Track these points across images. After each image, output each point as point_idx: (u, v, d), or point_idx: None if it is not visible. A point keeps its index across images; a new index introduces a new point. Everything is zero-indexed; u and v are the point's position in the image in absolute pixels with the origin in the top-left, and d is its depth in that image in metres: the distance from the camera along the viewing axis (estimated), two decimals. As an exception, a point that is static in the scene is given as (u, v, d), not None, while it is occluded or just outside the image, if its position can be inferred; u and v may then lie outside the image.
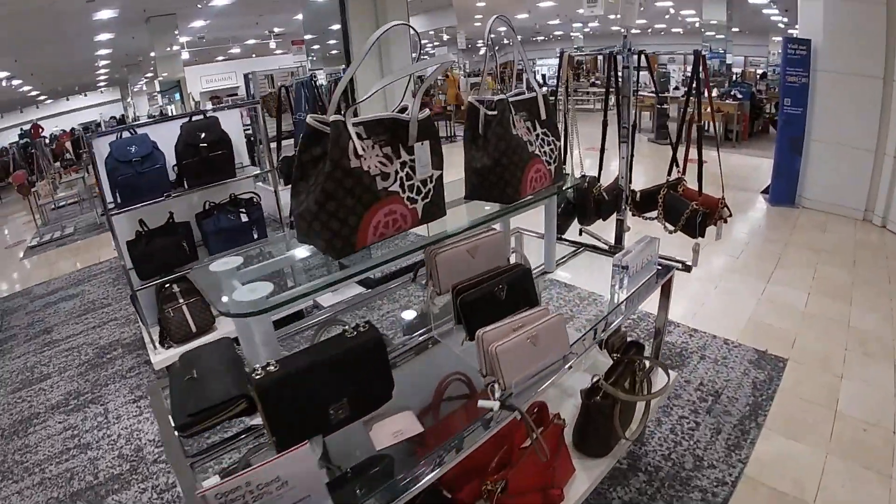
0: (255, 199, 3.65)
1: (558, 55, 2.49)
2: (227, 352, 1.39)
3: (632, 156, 2.40)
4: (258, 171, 3.94)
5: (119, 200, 3.07)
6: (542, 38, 21.16)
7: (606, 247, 2.44)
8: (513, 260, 2.01)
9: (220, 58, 16.65)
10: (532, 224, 2.24)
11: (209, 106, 9.58)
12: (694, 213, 2.13)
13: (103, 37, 10.68)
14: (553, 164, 1.66)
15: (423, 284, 1.49)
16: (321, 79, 5.84)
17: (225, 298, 1.25)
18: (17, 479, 2.74)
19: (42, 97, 18.59)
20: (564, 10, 15.92)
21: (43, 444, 3.00)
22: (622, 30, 2.27)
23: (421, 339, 1.73)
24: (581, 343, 1.56)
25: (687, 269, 2.10)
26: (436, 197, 1.36)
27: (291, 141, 4.63)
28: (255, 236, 3.56)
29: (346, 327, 1.24)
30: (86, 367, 3.84)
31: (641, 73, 2.32)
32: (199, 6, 9.54)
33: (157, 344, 3.35)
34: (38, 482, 2.69)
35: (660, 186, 2.32)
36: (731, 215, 2.19)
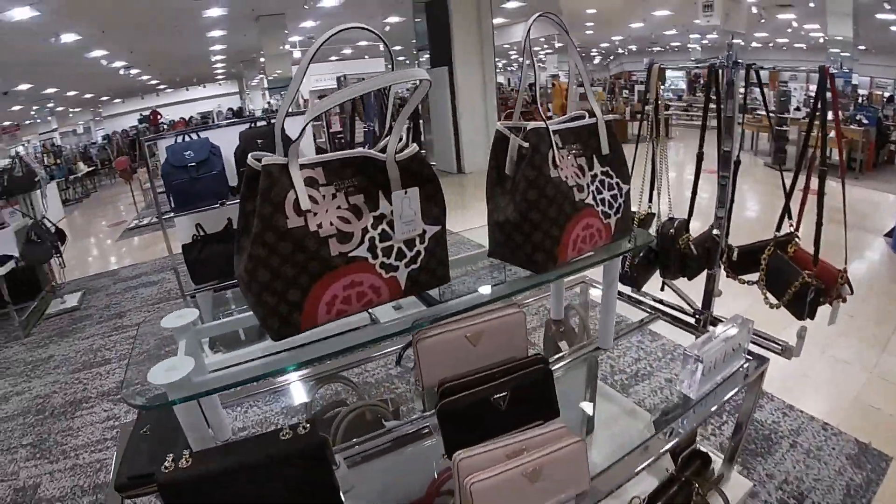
0: None
1: (646, 67, 2.03)
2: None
3: (732, 199, 1.91)
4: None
5: (173, 205, 3.06)
6: (659, 48, 20.01)
7: (691, 310, 1.97)
8: (570, 321, 1.63)
9: (334, 58, 17.08)
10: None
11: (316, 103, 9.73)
12: (805, 288, 1.62)
13: (215, 33, 11.18)
14: (615, 216, 1.25)
15: (411, 368, 1.13)
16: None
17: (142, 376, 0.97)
18: (53, 460, 2.76)
19: (161, 86, 19.98)
20: (681, 19, 14.83)
21: (85, 429, 3.02)
22: (729, 36, 1.80)
23: (413, 428, 1.38)
24: (617, 470, 1.14)
25: (786, 355, 1.61)
26: (431, 261, 1.01)
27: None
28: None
29: (284, 427, 0.94)
30: (144, 357, 3.84)
31: (757, 91, 1.83)
32: (305, 7, 9.69)
33: (205, 347, 3.26)
34: (70, 467, 2.69)
35: (765, 244, 1.80)
36: (851, 293, 1.66)
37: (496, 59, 9.02)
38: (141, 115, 19.05)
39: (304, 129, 0.85)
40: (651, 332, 3.34)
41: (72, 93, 15.33)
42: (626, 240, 1.32)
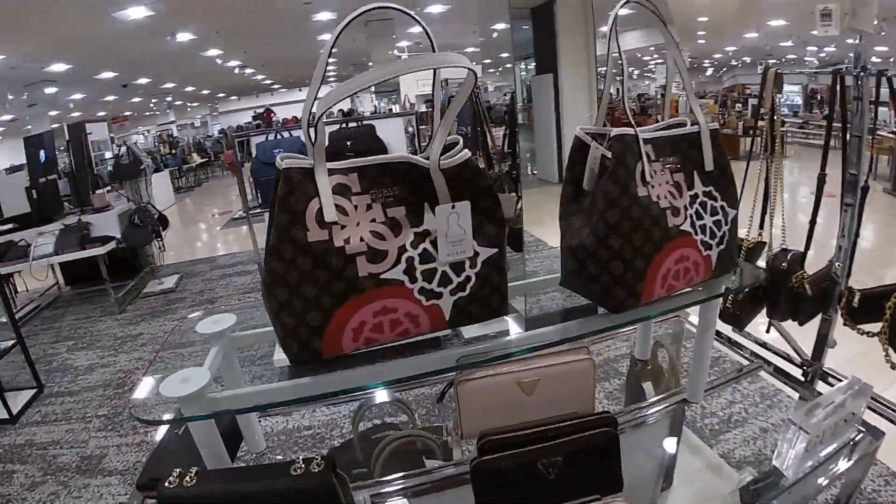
0: None
1: (761, 73, 1.75)
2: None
3: (857, 233, 1.60)
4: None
5: (260, 201, 3.15)
6: (774, 60, 18.56)
7: (798, 360, 1.68)
8: (658, 359, 1.41)
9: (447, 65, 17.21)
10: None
11: (423, 108, 9.91)
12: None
13: (325, 37, 11.51)
14: (717, 248, 1.02)
15: (453, 408, 0.97)
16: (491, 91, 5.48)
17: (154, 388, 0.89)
18: (123, 434, 2.84)
19: (275, 85, 20.99)
20: (797, 30, 13.59)
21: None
22: (855, 37, 1.51)
23: (457, 472, 1.21)
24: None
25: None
26: (484, 289, 0.84)
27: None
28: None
29: (298, 460, 0.84)
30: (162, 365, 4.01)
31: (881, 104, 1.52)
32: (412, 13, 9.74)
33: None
34: (138, 443, 2.75)
35: (890, 290, 1.48)
36: None
37: (604, 69, 8.66)
38: (255, 112, 20.14)
39: (315, 124, 0.72)
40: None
41: (189, 88, 16.46)
42: (729, 275, 1.09)
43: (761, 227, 1.76)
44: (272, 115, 18.77)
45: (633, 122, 0.91)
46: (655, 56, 17.29)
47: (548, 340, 0.92)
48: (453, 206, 0.77)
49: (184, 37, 8.74)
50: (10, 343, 3.29)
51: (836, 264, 1.59)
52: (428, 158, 0.79)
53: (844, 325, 1.60)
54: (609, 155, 0.90)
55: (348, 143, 3.21)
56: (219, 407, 0.85)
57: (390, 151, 3.62)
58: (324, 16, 9.10)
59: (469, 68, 0.74)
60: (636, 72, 19.64)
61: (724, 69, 20.28)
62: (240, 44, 10.69)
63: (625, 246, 0.89)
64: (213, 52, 10.80)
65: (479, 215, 0.82)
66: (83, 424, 2.97)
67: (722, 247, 1.02)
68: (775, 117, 1.70)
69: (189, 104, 20.98)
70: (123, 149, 5.18)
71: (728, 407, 2.79)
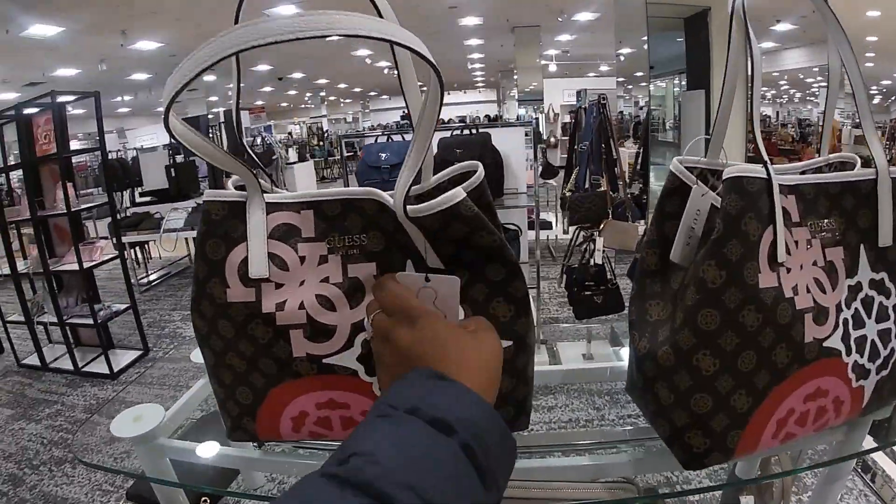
0: (513, 230, 3.17)
1: None
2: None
3: None
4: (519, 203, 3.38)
5: None
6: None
7: None
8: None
9: (591, 74, 16.69)
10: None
11: (567, 119, 9.64)
12: None
13: (472, 42, 11.55)
14: (877, 374, 0.63)
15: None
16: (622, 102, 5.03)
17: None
18: (205, 410, 2.89)
19: (424, 87, 21.58)
20: None
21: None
22: None
23: None
24: None
25: None
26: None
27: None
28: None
29: None
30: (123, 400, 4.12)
31: None
32: (559, 19, 9.44)
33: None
34: None
35: None
36: None
37: (764, 89, 7.76)
38: (404, 111, 20.85)
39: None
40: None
41: (342, 85, 17.39)
42: (883, 410, 0.70)
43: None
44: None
45: (763, 154, 0.58)
46: (819, 78, 15.29)
47: (577, 473, 0.62)
48: (427, 279, 0.50)
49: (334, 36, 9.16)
50: (124, 307, 3.52)
51: None
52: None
53: None
54: (733, 207, 0.56)
55: (457, 152, 3.00)
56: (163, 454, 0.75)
57: (507, 164, 3.35)
58: (469, 20, 9.08)
59: (423, 55, 0.42)
60: (798, 94, 17.53)
61: (893, 98, 17.39)
62: (387, 45, 11.01)
63: (724, 371, 0.56)
64: (362, 52, 11.24)
65: (486, 288, 0.54)
66: (172, 392, 3.04)
67: (885, 372, 0.64)
68: None
69: (342, 100, 22.20)
70: (259, 139, 5.45)
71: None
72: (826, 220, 0.61)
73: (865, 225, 0.63)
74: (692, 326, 0.55)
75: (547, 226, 5.49)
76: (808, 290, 0.58)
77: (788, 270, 0.57)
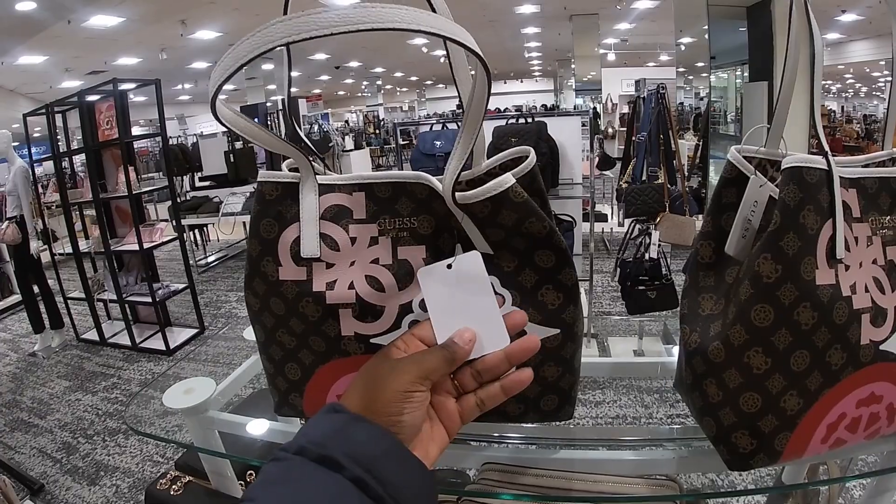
0: (567, 222, 3.13)
1: None
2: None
3: None
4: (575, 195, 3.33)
5: None
6: None
7: None
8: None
9: (651, 63, 16.22)
10: None
11: (625, 109, 9.43)
12: None
13: (529, 30, 11.42)
14: None
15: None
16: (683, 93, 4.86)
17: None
18: (255, 388, 3.03)
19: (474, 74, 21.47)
20: None
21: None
22: None
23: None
24: None
25: None
26: (533, 391, 0.57)
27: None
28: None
29: None
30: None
31: None
32: (618, 7, 9.21)
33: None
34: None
35: None
36: None
37: (828, 82, 7.33)
38: (459, 100, 20.78)
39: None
40: None
41: (398, 74, 17.50)
42: None
43: None
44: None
45: (824, 143, 0.56)
46: (886, 72, 14.34)
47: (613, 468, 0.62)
48: (449, 266, 0.51)
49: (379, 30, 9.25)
50: (182, 286, 3.68)
51: None
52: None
53: None
54: (789, 201, 0.53)
55: (512, 140, 2.99)
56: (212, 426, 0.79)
57: (563, 154, 3.32)
58: (527, 8, 8.97)
59: (472, 49, 0.42)
60: (863, 89, 16.53)
61: None
62: (444, 33, 11.03)
63: (775, 370, 0.54)
64: (418, 41, 11.27)
65: (535, 275, 0.54)
66: (224, 369, 3.17)
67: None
68: None
69: (398, 89, 22.37)
70: (316, 127, 5.55)
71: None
72: (888, 217, 0.59)
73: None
74: (745, 322, 0.54)
75: (602, 218, 5.40)
76: (867, 290, 0.56)
77: (847, 268, 0.55)
